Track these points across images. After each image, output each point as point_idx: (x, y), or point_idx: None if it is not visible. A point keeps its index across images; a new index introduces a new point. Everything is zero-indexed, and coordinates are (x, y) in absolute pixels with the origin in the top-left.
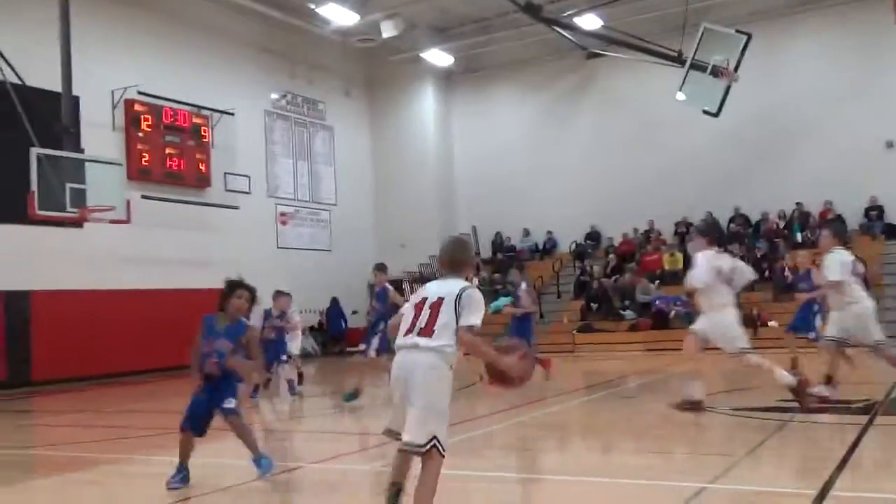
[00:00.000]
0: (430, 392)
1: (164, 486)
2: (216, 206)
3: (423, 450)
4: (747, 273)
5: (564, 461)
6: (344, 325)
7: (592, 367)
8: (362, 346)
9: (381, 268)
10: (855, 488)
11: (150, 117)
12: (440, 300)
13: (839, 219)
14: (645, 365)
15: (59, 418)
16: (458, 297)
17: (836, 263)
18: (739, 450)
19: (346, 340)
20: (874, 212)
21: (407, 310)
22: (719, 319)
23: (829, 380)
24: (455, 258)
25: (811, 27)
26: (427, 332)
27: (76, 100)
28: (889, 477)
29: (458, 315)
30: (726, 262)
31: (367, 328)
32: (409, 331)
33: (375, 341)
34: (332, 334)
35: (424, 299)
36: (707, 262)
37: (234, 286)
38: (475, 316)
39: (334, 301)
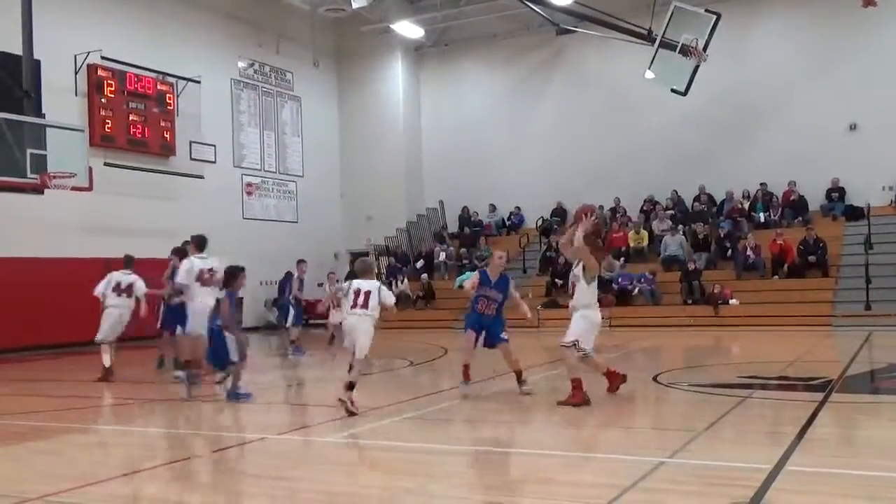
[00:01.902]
0: (364, 336)
1: (124, 455)
2: (181, 174)
3: (360, 358)
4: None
5: (526, 435)
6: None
7: (557, 343)
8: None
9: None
10: (809, 463)
11: (113, 83)
12: (368, 292)
13: (801, 199)
14: (608, 341)
15: (14, 387)
16: (379, 291)
17: (185, 271)
18: (698, 425)
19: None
20: (835, 193)
21: (350, 294)
22: (198, 309)
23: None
24: (364, 272)
25: (779, 9)
26: (364, 306)
27: (37, 64)
28: (842, 452)
29: (381, 299)
30: (210, 263)
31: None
32: (354, 306)
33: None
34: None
35: (359, 289)
36: (190, 265)
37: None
38: (391, 297)
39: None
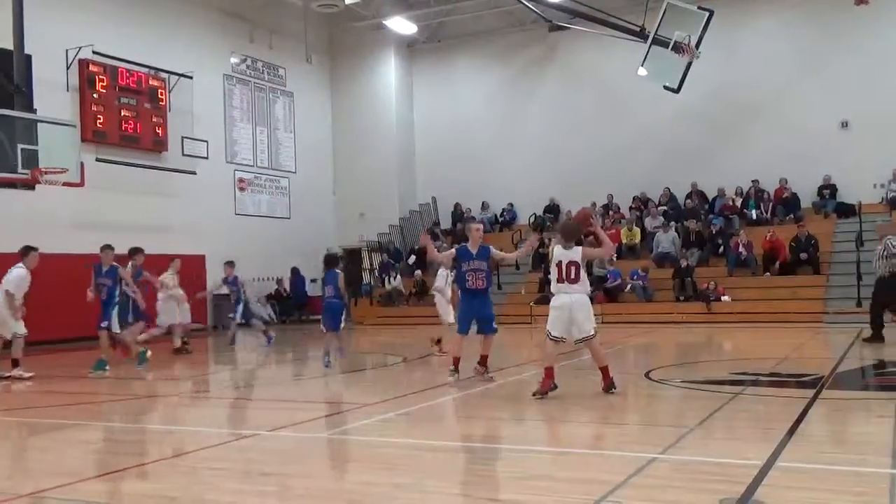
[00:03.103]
0: (445, 306)
1: (116, 452)
2: (173, 170)
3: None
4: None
5: (518, 431)
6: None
7: None
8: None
9: (231, 263)
10: (800, 459)
11: (105, 78)
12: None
13: (793, 196)
14: (600, 338)
15: (5, 383)
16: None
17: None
18: (690, 421)
19: (308, 308)
20: (827, 190)
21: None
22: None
23: None
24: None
25: (772, 6)
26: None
27: (28, 59)
28: (832, 448)
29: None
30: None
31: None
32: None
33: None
34: (298, 302)
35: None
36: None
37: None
38: (440, 279)
39: (295, 270)
